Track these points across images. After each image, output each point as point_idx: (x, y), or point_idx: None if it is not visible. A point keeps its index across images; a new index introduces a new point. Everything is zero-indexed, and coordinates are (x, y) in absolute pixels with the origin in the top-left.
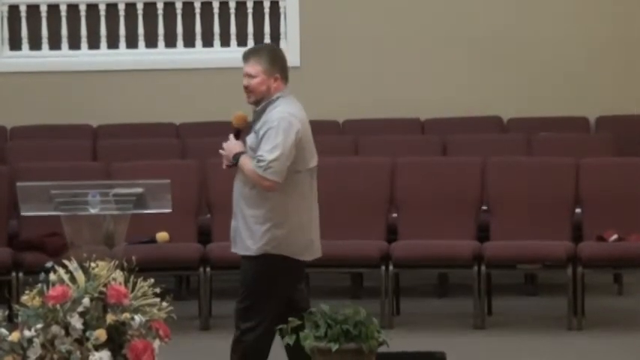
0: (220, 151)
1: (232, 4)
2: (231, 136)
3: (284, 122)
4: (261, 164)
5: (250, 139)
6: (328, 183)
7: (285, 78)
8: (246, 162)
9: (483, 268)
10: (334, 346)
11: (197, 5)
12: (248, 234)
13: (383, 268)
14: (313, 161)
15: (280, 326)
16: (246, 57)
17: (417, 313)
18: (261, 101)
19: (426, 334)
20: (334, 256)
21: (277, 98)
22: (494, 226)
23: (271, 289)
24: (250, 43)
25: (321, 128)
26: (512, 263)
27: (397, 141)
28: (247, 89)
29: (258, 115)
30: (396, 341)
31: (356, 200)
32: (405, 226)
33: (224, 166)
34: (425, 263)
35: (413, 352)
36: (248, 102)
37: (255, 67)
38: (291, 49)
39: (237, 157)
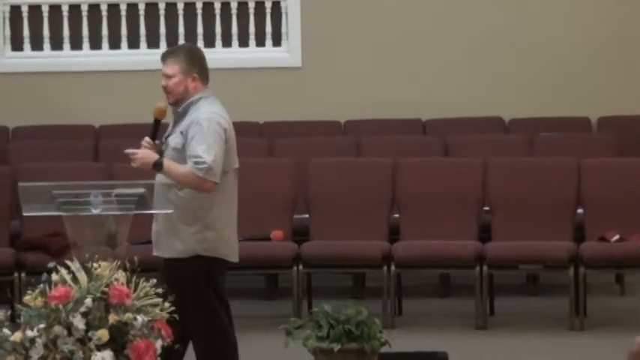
0: (129, 152)
1: (234, 5)
2: (145, 140)
3: (212, 122)
4: (201, 166)
5: (174, 139)
6: (330, 183)
7: (204, 78)
8: (175, 167)
9: (485, 268)
10: (336, 347)
11: (199, 6)
12: (174, 237)
13: (385, 268)
14: (236, 162)
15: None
16: (164, 58)
17: (419, 313)
18: (181, 102)
19: (428, 335)
20: (336, 256)
21: (199, 98)
22: (496, 226)
23: (210, 289)
24: (252, 44)
25: (322, 129)
26: (514, 264)
27: (398, 141)
28: (166, 90)
29: (180, 116)
30: (398, 341)
31: (358, 201)
32: (407, 226)
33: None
34: (427, 263)
35: (415, 352)
36: (168, 103)
37: (172, 67)
38: (292, 49)
39: (159, 163)
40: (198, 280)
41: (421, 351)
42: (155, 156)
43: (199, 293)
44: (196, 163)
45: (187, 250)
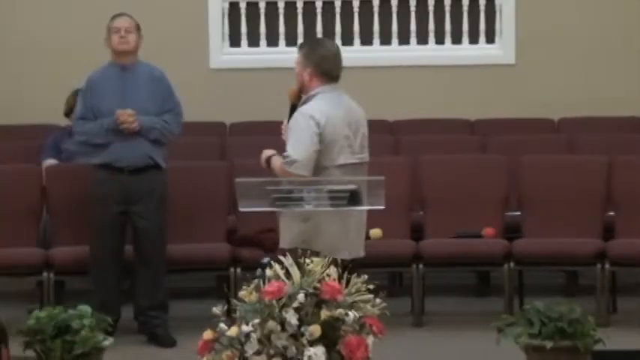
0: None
1: (447, 2)
2: (283, 125)
3: (306, 117)
4: (287, 160)
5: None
6: (543, 181)
7: (320, 75)
8: (275, 160)
9: None
10: (549, 344)
11: (412, 4)
12: (284, 228)
13: (598, 266)
14: (347, 158)
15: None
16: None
17: (635, 311)
18: (303, 93)
19: None
20: (549, 253)
21: (316, 94)
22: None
23: None
24: (465, 41)
25: (535, 126)
26: None
27: (614, 139)
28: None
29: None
30: (613, 340)
31: (571, 198)
32: (623, 224)
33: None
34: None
35: (631, 350)
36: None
37: (296, 58)
38: (506, 46)
39: (268, 160)
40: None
41: (638, 350)
42: (270, 152)
43: None
44: (284, 157)
45: (292, 242)
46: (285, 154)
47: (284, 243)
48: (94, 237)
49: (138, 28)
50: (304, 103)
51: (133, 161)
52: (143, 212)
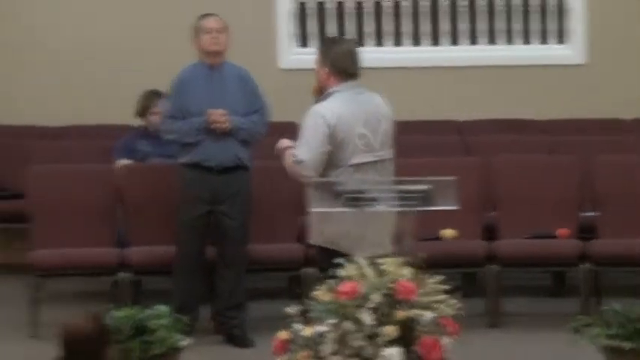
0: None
1: (517, 2)
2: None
3: (316, 116)
4: (295, 159)
5: None
6: (616, 181)
7: (336, 74)
8: (287, 156)
9: None
10: (628, 345)
11: (481, 4)
12: (312, 226)
13: None
14: (362, 157)
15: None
16: None
17: None
18: (323, 91)
19: None
20: (626, 254)
21: (332, 92)
22: None
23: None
24: (535, 42)
25: (606, 126)
26: None
27: None
28: None
29: None
30: None
31: None
32: None
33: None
34: None
35: None
36: None
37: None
38: (577, 46)
39: (283, 151)
40: (323, 270)
41: None
42: (287, 143)
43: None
44: (293, 155)
45: (313, 240)
46: (294, 151)
47: (312, 240)
48: (180, 236)
49: (227, 28)
50: (320, 101)
51: (222, 161)
52: (229, 212)
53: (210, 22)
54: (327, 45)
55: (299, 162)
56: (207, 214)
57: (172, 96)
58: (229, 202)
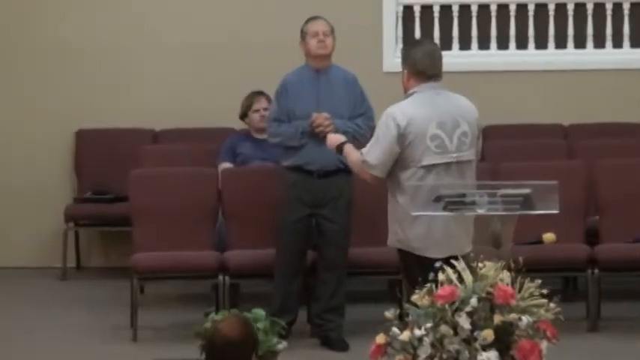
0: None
1: (609, 6)
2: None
3: (388, 116)
4: (363, 159)
5: None
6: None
7: (415, 75)
8: (350, 152)
9: None
10: None
11: (570, 7)
12: (389, 228)
13: None
14: (434, 159)
15: None
16: None
17: None
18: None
19: None
20: (632, 259)
21: (412, 93)
22: None
23: (407, 281)
24: (626, 45)
25: None
26: None
27: None
28: None
29: None
30: None
31: None
32: None
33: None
34: None
35: None
36: None
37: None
38: None
39: (340, 147)
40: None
41: None
42: (341, 139)
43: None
44: (362, 153)
45: (390, 242)
46: (363, 150)
47: (389, 242)
48: (281, 238)
49: (333, 31)
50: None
51: (324, 165)
52: (330, 215)
53: (317, 26)
54: (407, 47)
55: (366, 163)
56: (309, 217)
57: (278, 99)
58: (331, 206)
